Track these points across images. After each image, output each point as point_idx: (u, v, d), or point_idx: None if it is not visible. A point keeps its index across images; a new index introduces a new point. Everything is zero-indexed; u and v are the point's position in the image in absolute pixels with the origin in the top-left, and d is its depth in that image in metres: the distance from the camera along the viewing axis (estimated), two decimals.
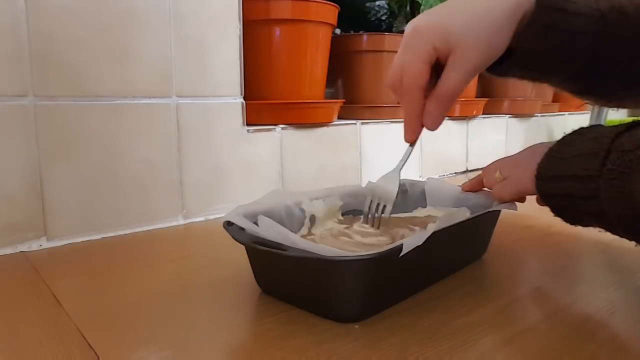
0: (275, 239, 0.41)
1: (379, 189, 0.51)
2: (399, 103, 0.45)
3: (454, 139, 1.24)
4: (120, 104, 0.68)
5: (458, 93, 0.43)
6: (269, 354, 0.36)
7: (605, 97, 0.50)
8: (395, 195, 0.50)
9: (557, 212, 0.43)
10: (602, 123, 0.44)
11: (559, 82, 0.48)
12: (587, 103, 0.54)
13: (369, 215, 0.51)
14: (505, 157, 0.53)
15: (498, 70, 0.46)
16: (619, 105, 0.52)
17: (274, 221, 0.42)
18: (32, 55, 0.60)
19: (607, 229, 0.40)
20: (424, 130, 0.45)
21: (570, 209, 0.41)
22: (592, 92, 0.49)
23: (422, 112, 0.44)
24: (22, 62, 0.60)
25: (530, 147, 0.49)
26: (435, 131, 0.45)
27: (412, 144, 0.48)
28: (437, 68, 0.43)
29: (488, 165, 0.55)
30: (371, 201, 0.51)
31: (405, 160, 0.50)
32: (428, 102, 0.43)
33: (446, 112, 0.44)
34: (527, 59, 0.44)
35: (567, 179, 0.39)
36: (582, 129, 0.42)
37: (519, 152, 0.51)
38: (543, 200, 0.43)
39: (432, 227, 0.41)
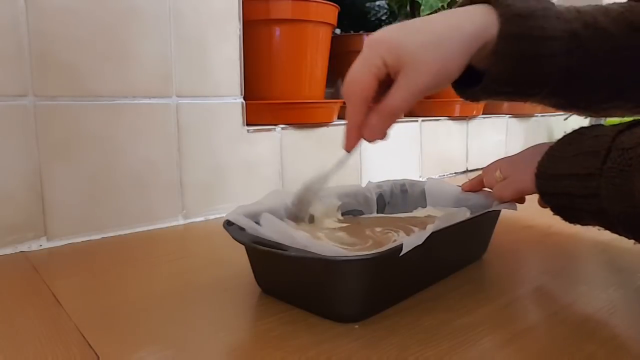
0: (277, 238, 0.41)
1: (303, 190, 0.53)
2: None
3: (454, 139, 1.24)
4: (120, 104, 0.68)
5: (401, 111, 0.42)
6: (269, 354, 0.36)
7: (589, 109, 0.49)
8: (312, 199, 0.52)
9: (557, 211, 0.43)
10: (602, 123, 0.44)
11: (538, 101, 0.47)
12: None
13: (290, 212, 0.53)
14: (505, 157, 0.53)
15: (470, 94, 0.46)
16: (606, 115, 0.52)
17: (276, 218, 0.42)
18: (32, 55, 0.60)
19: (607, 228, 0.40)
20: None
21: (570, 207, 0.41)
22: (575, 106, 0.49)
23: (363, 123, 0.43)
24: (22, 62, 0.60)
25: (530, 147, 0.49)
26: (375, 142, 0.44)
27: (349, 152, 0.47)
28: (389, 83, 0.42)
29: (488, 165, 0.55)
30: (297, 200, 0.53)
31: (339, 167, 0.50)
32: (370, 114, 0.43)
33: (387, 127, 0.43)
34: (497, 85, 0.43)
35: (568, 178, 0.39)
36: (582, 128, 0.42)
37: (519, 152, 0.51)
38: (543, 199, 0.43)
39: (431, 227, 0.41)
